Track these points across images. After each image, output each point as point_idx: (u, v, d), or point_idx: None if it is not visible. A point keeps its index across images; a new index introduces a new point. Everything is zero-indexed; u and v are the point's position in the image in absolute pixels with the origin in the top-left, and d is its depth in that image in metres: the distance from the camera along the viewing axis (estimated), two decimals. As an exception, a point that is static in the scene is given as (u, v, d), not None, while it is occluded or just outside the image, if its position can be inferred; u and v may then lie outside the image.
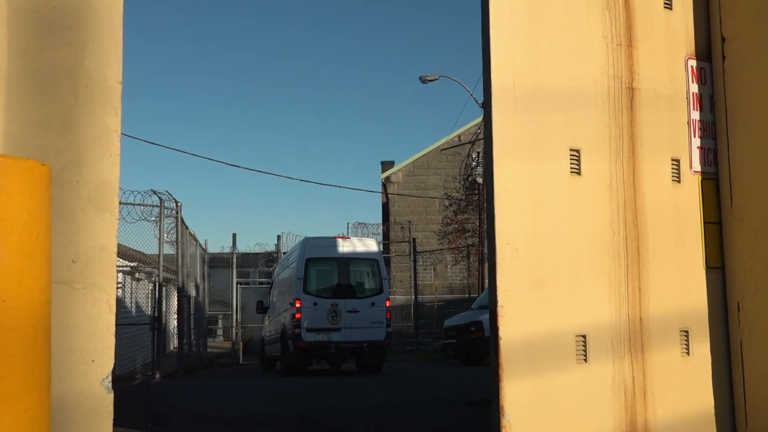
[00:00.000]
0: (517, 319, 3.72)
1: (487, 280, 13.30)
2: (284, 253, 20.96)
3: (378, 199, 29.80)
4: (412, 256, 23.56)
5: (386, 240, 26.87)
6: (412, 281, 23.16)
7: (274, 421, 7.33)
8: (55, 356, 2.33)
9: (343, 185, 76.52)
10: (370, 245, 16.05)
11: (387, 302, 15.31)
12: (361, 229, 23.57)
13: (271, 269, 22.59)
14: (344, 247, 15.55)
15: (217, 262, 25.98)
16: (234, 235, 26.32)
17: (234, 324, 22.50)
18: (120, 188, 2.82)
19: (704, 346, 4.30)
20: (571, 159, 4.01)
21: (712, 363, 4.34)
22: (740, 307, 4.33)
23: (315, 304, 14.69)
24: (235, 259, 22.44)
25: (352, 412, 7.82)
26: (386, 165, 30.28)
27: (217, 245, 52.03)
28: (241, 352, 22.46)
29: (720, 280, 4.45)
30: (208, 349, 22.99)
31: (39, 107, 2.67)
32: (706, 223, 4.42)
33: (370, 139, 61.21)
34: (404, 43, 57.57)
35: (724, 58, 4.48)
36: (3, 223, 1.61)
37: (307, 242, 15.56)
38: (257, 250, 25.23)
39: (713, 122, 4.55)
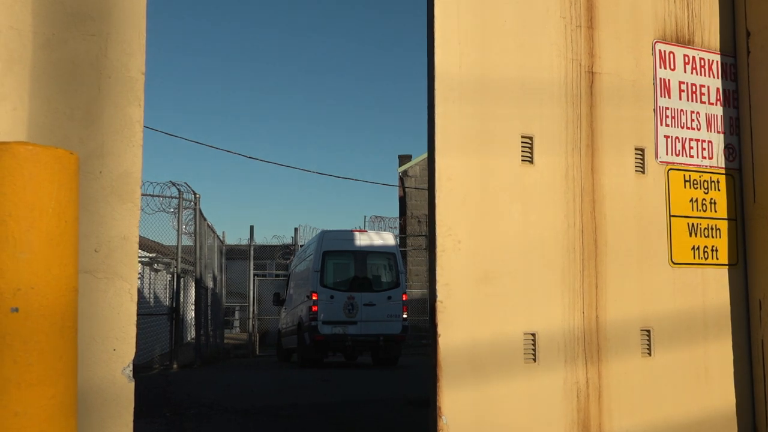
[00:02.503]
0: (459, 314, 3.54)
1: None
2: (301, 245, 21.08)
3: (395, 193, 29.81)
4: (428, 250, 23.51)
5: (403, 234, 26.90)
6: (429, 275, 23.09)
7: (290, 412, 7.39)
8: (78, 345, 2.35)
9: (361, 179, 76.60)
10: (387, 239, 16.09)
11: (403, 296, 15.34)
12: (378, 222, 23.60)
13: (288, 262, 22.70)
14: (361, 240, 15.60)
15: (234, 254, 26.16)
16: (251, 228, 26.47)
17: (251, 316, 22.66)
18: (140, 180, 2.85)
19: (668, 346, 4.08)
20: (522, 147, 3.81)
21: (734, 361, 4.30)
22: (762, 304, 4.28)
23: (332, 297, 14.77)
24: (252, 251, 22.58)
25: (368, 405, 7.85)
26: (403, 159, 30.28)
27: (235, 237, 52.27)
28: (257, 343, 22.61)
29: (742, 277, 4.41)
30: (225, 341, 23.19)
31: (63, 97, 2.70)
32: (672, 216, 4.24)
33: (388, 132, 61.15)
34: (422, 37, 57.36)
35: (748, 52, 4.44)
36: (32, 210, 1.64)
37: (324, 235, 15.64)
38: (274, 242, 25.35)
39: (736, 116, 4.50)
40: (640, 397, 3.96)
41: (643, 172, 4.15)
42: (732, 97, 4.51)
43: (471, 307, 3.58)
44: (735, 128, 4.50)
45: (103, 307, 2.67)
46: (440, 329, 3.48)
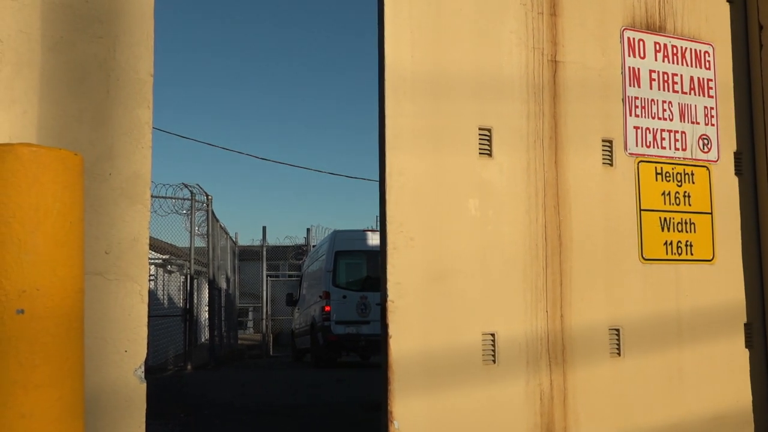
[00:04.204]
0: (412, 315, 3.39)
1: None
2: (314, 246, 21.13)
3: (407, 193, 29.68)
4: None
5: (415, 233, 26.76)
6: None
7: (304, 412, 7.39)
8: (89, 346, 2.36)
9: (373, 178, 76.42)
10: (399, 238, 16.02)
11: (416, 295, 15.27)
12: (390, 222, 23.50)
13: (300, 262, 22.74)
14: (373, 240, 15.59)
15: (247, 255, 26.23)
16: (264, 228, 26.46)
17: (264, 316, 22.72)
18: (152, 181, 2.84)
19: (639, 346, 3.91)
20: (480, 139, 3.64)
21: (750, 360, 4.24)
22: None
23: (344, 296, 14.77)
24: (265, 252, 22.64)
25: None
26: (415, 158, 30.15)
27: (248, 238, 52.44)
28: (271, 344, 22.67)
29: (756, 275, 4.35)
30: (239, 341, 23.27)
31: (72, 100, 2.70)
32: (643, 210, 4.07)
33: (399, 132, 60.97)
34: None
35: (761, 46, 4.38)
36: (37, 212, 1.63)
37: (336, 235, 15.65)
38: (287, 243, 25.43)
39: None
40: (609, 400, 3.79)
41: (612, 165, 4.00)
42: (707, 86, 4.37)
43: (425, 307, 3.44)
44: (711, 118, 4.36)
45: (114, 308, 2.67)
46: (391, 330, 3.34)
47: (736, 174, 4.40)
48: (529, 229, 3.70)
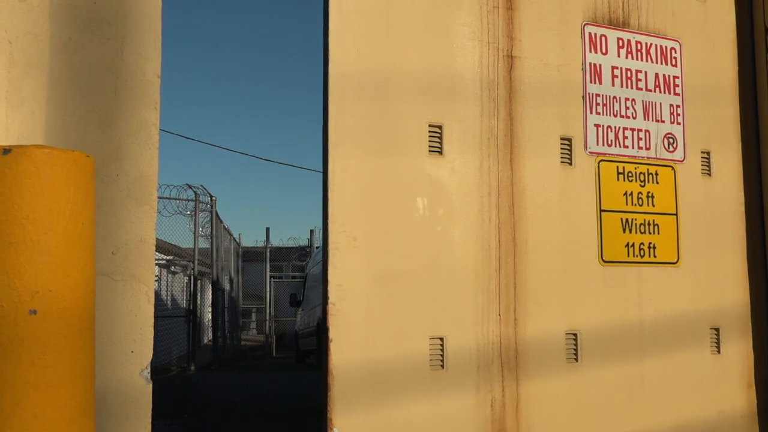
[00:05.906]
0: (354, 318, 3.24)
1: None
2: (317, 247, 21.12)
3: (411, 194, 29.69)
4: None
5: (419, 234, 26.76)
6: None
7: (308, 412, 7.40)
8: (96, 347, 2.37)
9: (376, 180, 76.22)
10: (403, 239, 16.01)
11: (420, 296, 15.25)
12: (393, 223, 23.50)
13: (304, 263, 22.76)
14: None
15: (250, 256, 26.30)
16: (267, 230, 26.58)
17: (267, 317, 22.75)
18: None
19: (598, 351, 3.76)
20: (430, 137, 3.50)
21: (755, 362, 4.24)
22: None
23: (349, 297, 14.73)
24: (268, 253, 22.68)
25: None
26: (419, 159, 30.14)
27: (251, 239, 52.53)
28: (274, 345, 22.70)
29: (762, 275, 4.36)
30: (242, 342, 23.32)
31: (79, 101, 2.72)
32: (603, 210, 3.91)
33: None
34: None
35: (767, 48, 4.40)
36: (49, 213, 1.65)
37: (340, 236, 15.62)
38: (290, 244, 25.46)
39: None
40: (565, 408, 3.66)
41: (570, 164, 3.84)
42: (673, 83, 4.22)
43: (368, 310, 3.29)
44: (677, 116, 4.20)
45: (121, 309, 2.69)
46: (332, 334, 3.21)
47: (703, 174, 4.25)
48: (481, 229, 3.56)
